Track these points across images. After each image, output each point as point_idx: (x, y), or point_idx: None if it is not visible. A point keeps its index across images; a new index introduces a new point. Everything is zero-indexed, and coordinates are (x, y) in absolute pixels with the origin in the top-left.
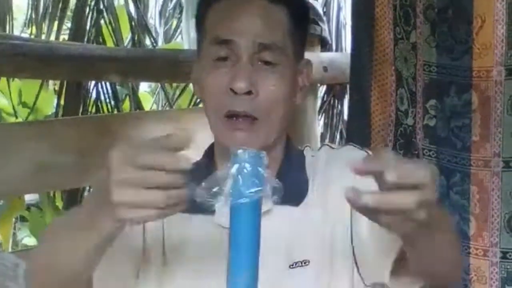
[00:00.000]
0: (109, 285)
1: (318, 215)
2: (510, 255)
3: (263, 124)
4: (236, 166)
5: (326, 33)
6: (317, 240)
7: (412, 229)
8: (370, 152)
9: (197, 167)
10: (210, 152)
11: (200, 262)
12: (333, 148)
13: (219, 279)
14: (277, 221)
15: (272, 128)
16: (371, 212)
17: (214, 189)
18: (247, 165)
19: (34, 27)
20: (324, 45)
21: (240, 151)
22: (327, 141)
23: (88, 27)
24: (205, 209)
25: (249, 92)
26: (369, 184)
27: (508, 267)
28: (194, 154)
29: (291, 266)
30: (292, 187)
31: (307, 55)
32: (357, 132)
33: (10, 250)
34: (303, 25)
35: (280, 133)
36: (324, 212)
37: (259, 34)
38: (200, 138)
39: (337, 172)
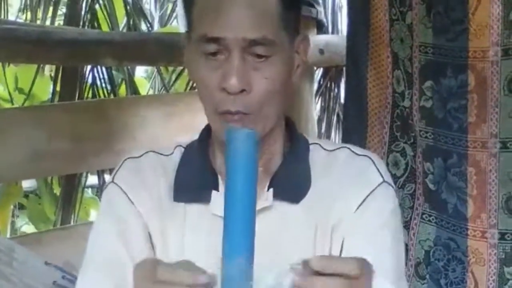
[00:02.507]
0: None
1: (317, 218)
2: (508, 236)
3: (258, 118)
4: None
5: (322, 16)
6: (309, 244)
7: None
8: (385, 176)
9: (192, 147)
10: (205, 133)
11: (197, 252)
12: (354, 153)
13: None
14: (276, 218)
15: (268, 119)
16: None
17: None
18: None
19: (29, 13)
20: (320, 27)
21: (232, 129)
22: (324, 125)
23: (83, 12)
24: (201, 199)
25: (242, 91)
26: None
27: (507, 248)
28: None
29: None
30: (295, 182)
31: None
32: (354, 115)
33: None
34: (295, 5)
35: (277, 118)
36: (323, 217)
37: (248, 29)
38: (197, 122)
39: (348, 185)
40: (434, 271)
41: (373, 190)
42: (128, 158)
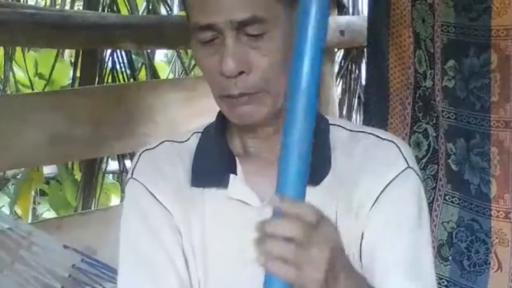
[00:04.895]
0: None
1: (337, 201)
2: None
3: (265, 95)
4: None
5: None
6: None
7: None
8: (410, 162)
9: (209, 131)
10: (222, 115)
11: (217, 237)
12: (378, 137)
13: (236, 252)
14: None
15: (277, 95)
16: None
17: None
18: None
19: None
20: (341, 8)
21: None
22: (345, 107)
23: None
24: (219, 183)
25: (241, 73)
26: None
27: None
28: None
29: None
30: (316, 163)
31: None
32: (376, 96)
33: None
34: None
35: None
36: (343, 201)
37: (236, 11)
38: (217, 105)
39: (370, 169)
40: (457, 253)
41: (397, 176)
42: (144, 150)
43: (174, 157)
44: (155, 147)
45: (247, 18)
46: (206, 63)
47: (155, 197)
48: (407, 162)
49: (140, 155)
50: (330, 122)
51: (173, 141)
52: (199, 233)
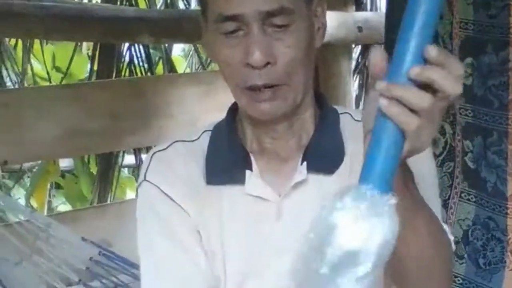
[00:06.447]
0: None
1: None
2: None
3: (287, 89)
4: None
5: None
6: None
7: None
8: None
9: (220, 128)
10: (232, 112)
11: (236, 234)
12: None
13: (253, 246)
14: (312, 191)
15: (297, 88)
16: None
17: None
18: None
19: None
20: (359, 4)
21: None
22: (361, 102)
23: None
24: (235, 180)
25: (266, 64)
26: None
27: None
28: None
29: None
30: (328, 153)
31: (341, 15)
32: None
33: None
34: None
35: (306, 88)
36: None
37: (264, 1)
38: (234, 100)
39: None
40: (473, 251)
41: None
42: (156, 152)
43: (186, 157)
44: (166, 148)
45: (275, 9)
46: (228, 55)
47: (170, 198)
48: None
49: (152, 156)
50: (339, 111)
51: (184, 141)
52: (217, 230)
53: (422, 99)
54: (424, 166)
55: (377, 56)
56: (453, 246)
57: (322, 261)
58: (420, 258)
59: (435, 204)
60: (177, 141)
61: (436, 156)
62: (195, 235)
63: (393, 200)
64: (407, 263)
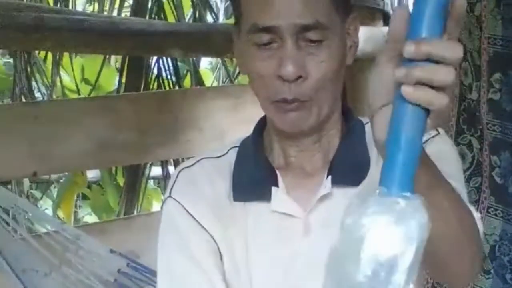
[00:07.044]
0: None
1: None
2: None
3: (315, 103)
4: None
5: (388, 7)
6: None
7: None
8: (440, 131)
9: (247, 144)
10: (259, 127)
11: (261, 252)
12: None
13: (280, 264)
14: (337, 204)
15: (324, 103)
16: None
17: None
18: None
19: (96, 4)
20: (387, 19)
21: None
22: None
23: (150, 3)
24: (261, 197)
25: (298, 78)
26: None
27: None
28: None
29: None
30: (353, 166)
31: (369, 30)
32: None
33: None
34: None
35: (334, 105)
36: None
37: (300, 15)
38: (262, 113)
39: None
40: (500, 266)
41: (427, 140)
42: (182, 169)
43: (213, 174)
44: (192, 164)
45: (311, 23)
46: (260, 66)
47: (193, 217)
48: (437, 131)
49: (179, 173)
50: (364, 122)
51: (210, 158)
52: (242, 248)
53: (449, 74)
54: (446, 145)
55: (398, 16)
56: (479, 226)
57: (357, 272)
58: (446, 235)
59: (458, 180)
60: (204, 158)
61: (463, 171)
62: (214, 257)
63: (420, 199)
64: (434, 242)
